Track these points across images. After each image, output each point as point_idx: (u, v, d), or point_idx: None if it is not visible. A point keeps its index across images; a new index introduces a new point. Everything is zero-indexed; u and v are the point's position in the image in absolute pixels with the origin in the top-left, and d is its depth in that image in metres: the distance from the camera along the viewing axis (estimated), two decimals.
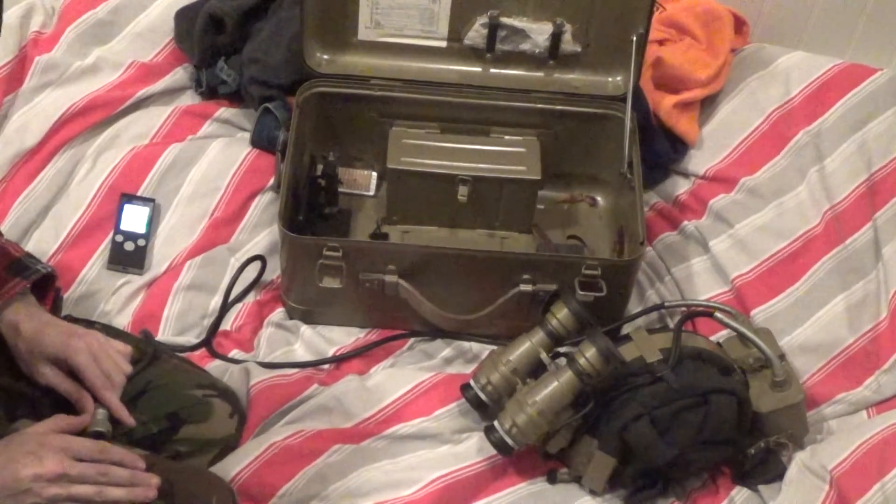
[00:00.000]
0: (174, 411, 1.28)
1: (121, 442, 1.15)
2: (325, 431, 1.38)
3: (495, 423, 1.31)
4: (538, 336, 1.36)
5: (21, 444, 1.05)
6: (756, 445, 1.36)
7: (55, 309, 1.36)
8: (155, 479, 1.08)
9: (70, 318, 1.36)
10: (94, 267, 1.54)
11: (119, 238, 1.55)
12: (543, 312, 1.38)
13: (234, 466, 1.31)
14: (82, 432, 1.11)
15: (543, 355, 1.33)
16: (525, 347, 1.36)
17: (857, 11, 1.83)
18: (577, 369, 1.28)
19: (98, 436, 1.12)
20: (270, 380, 1.43)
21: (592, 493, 1.36)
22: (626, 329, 1.49)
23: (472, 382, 1.37)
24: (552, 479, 1.36)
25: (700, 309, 1.46)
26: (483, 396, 1.36)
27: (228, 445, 1.34)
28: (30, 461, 1.02)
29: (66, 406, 1.23)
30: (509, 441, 1.29)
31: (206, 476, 1.25)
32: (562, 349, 1.38)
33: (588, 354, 1.28)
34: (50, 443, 1.05)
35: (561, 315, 1.35)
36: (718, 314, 1.39)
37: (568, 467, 1.37)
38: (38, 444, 1.05)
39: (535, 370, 1.35)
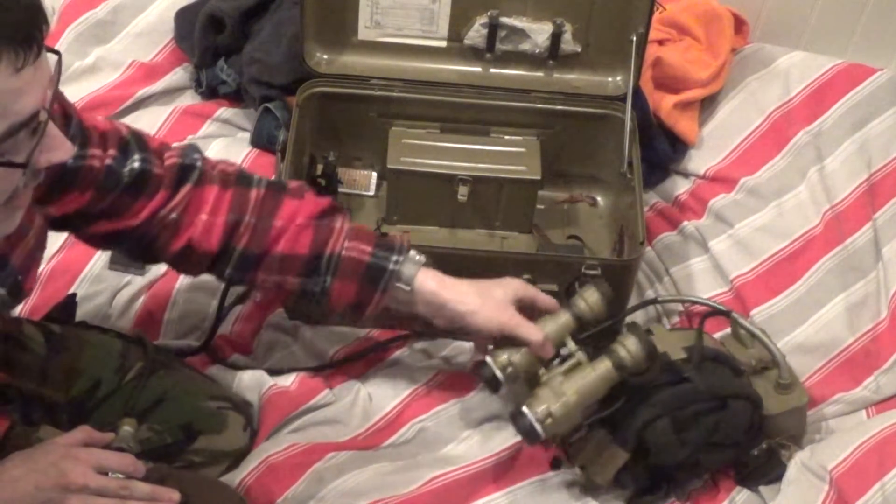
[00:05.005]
0: (189, 422, 1.29)
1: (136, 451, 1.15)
2: (324, 444, 1.37)
3: (524, 409, 1.23)
4: (564, 318, 1.29)
5: (46, 453, 1.05)
6: (758, 447, 1.36)
7: (70, 314, 1.36)
8: (175, 495, 1.09)
9: (84, 325, 1.36)
10: (95, 267, 1.54)
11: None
12: (568, 296, 1.33)
13: (235, 475, 1.32)
14: (106, 447, 1.12)
15: (570, 342, 1.28)
16: (551, 330, 1.28)
17: (857, 11, 1.83)
18: (618, 362, 1.23)
19: (120, 451, 1.12)
20: (277, 388, 1.42)
21: (589, 491, 1.35)
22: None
23: (489, 360, 1.27)
24: (556, 465, 1.34)
25: (721, 308, 1.44)
26: (501, 376, 1.26)
27: (239, 458, 1.34)
28: (53, 472, 1.03)
29: (83, 413, 1.25)
30: (538, 429, 1.22)
31: (221, 487, 1.25)
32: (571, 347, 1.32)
33: (631, 348, 1.23)
34: (76, 455, 1.06)
35: (592, 300, 1.28)
36: (735, 315, 1.38)
37: (569, 455, 1.34)
38: (64, 455, 1.05)
39: (555, 356, 1.30)
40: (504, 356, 1.26)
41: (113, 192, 1.12)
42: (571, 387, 1.24)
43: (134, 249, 1.20)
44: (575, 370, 1.26)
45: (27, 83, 0.80)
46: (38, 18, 0.80)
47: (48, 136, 0.85)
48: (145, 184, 1.14)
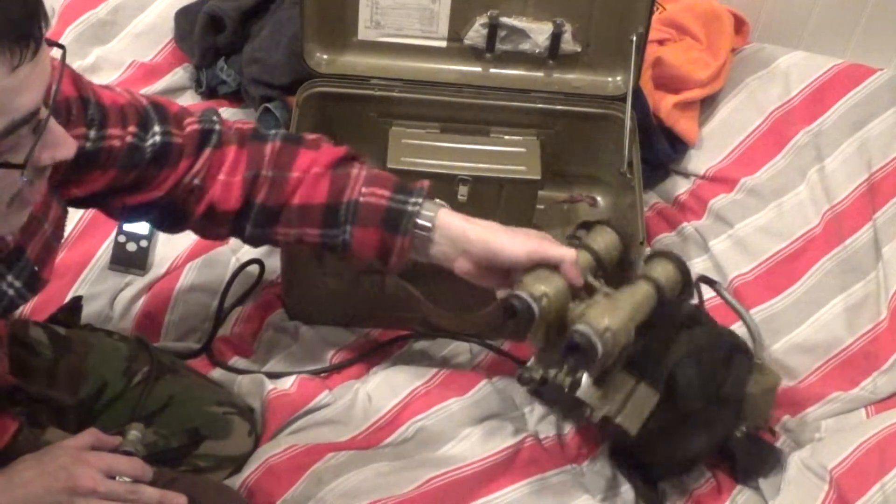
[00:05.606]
0: (195, 427, 1.29)
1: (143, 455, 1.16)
2: (323, 445, 1.38)
3: (579, 325, 1.16)
4: (585, 258, 1.22)
5: (55, 457, 1.05)
6: (739, 429, 1.34)
7: (76, 317, 1.37)
8: (182, 499, 1.09)
9: (90, 328, 1.36)
10: (95, 268, 1.54)
11: (122, 238, 1.55)
12: (573, 237, 1.28)
13: (236, 478, 1.32)
14: (114, 450, 1.12)
15: (590, 278, 1.21)
16: None
17: (857, 11, 1.83)
18: (656, 282, 1.20)
19: (128, 455, 1.12)
20: (277, 391, 1.42)
21: (589, 489, 1.35)
22: None
23: (522, 293, 1.16)
24: (589, 418, 1.26)
25: (707, 277, 1.41)
26: (535, 308, 1.15)
27: (243, 463, 1.34)
28: (63, 475, 1.03)
29: (90, 415, 1.25)
30: (598, 343, 1.14)
31: (227, 491, 1.26)
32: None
33: (668, 269, 1.21)
34: (85, 459, 1.06)
35: (608, 241, 1.23)
36: (719, 286, 1.36)
37: (591, 408, 1.27)
38: (73, 459, 1.05)
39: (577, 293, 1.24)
40: (538, 285, 1.16)
41: (137, 167, 1.11)
42: (622, 302, 1.18)
43: (160, 218, 1.20)
44: (620, 292, 1.20)
45: (25, 81, 0.79)
46: (36, 15, 0.79)
47: (50, 132, 0.84)
48: (168, 155, 1.13)
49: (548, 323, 1.17)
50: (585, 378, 1.23)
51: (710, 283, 1.36)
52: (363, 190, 1.17)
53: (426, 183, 1.21)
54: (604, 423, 1.24)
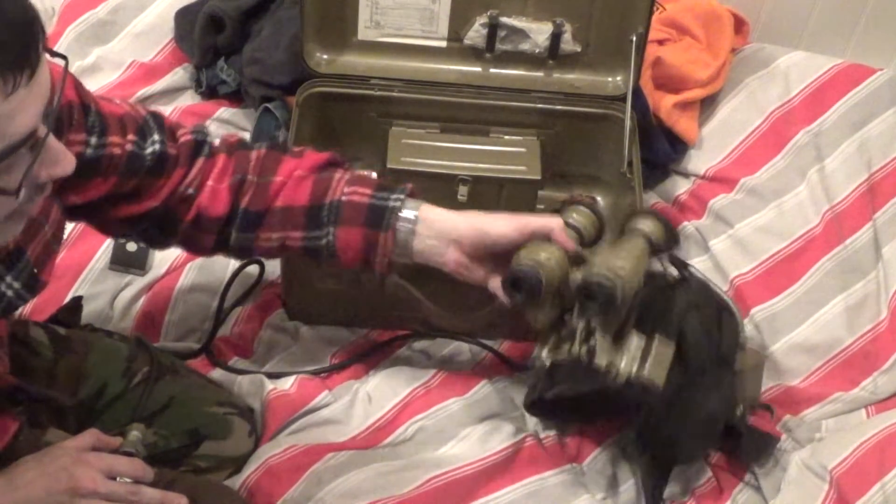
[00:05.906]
0: (195, 427, 1.29)
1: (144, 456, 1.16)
2: (322, 445, 1.38)
3: (594, 270, 1.16)
4: (569, 233, 1.22)
5: (56, 458, 1.06)
6: (738, 408, 1.34)
7: (76, 317, 1.37)
8: (183, 500, 1.10)
9: (90, 328, 1.36)
10: (95, 268, 1.54)
11: (122, 238, 1.55)
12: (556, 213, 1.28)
13: (236, 479, 1.32)
14: (114, 451, 1.13)
15: (578, 247, 1.21)
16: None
17: (857, 11, 1.83)
18: (646, 235, 1.21)
19: (129, 455, 1.12)
20: (277, 391, 1.42)
21: (587, 488, 1.35)
22: None
23: (526, 262, 1.15)
24: (609, 380, 1.22)
25: (679, 259, 1.41)
26: (542, 275, 1.14)
27: (243, 463, 1.35)
28: (64, 476, 1.04)
29: (90, 416, 1.25)
30: (616, 284, 1.15)
31: (227, 492, 1.26)
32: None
33: (651, 224, 1.22)
34: (87, 460, 1.06)
35: (586, 218, 1.24)
36: (692, 267, 1.36)
37: (613, 371, 1.24)
38: (74, 459, 1.06)
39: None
40: (538, 253, 1.16)
41: (136, 175, 1.12)
42: (623, 249, 1.19)
43: (151, 230, 1.19)
44: (618, 243, 1.22)
45: (20, 105, 0.78)
46: (33, 37, 0.77)
47: (49, 149, 0.83)
48: (164, 164, 1.13)
49: (553, 293, 1.17)
50: (599, 346, 1.21)
51: (683, 265, 1.36)
52: (345, 189, 1.18)
53: (409, 185, 1.22)
54: (627, 386, 1.22)
